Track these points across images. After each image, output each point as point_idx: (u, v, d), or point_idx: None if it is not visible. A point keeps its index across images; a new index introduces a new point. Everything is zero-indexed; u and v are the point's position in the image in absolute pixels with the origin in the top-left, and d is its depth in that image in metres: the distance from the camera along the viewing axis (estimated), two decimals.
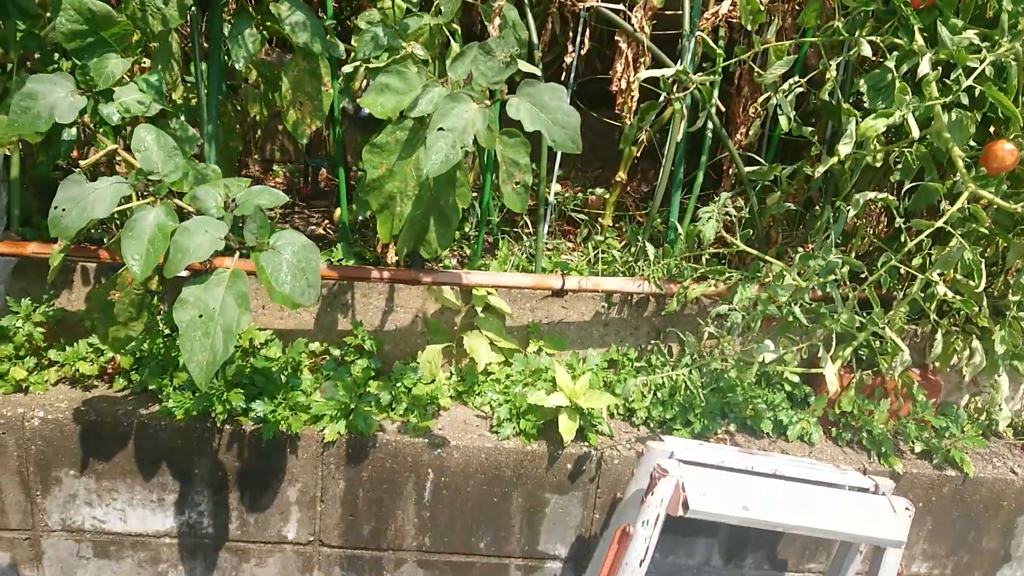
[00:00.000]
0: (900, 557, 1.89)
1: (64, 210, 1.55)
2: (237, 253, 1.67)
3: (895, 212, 1.94)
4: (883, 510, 1.87)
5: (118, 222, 2.28)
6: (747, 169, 2.25)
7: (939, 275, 1.97)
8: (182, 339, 1.58)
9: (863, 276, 2.04)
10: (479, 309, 2.28)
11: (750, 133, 2.36)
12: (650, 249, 2.27)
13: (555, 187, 2.52)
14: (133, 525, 2.14)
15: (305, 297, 1.61)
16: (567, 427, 2.07)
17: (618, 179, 2.52)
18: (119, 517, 2.13)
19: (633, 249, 2.39)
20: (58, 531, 2.13)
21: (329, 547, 2.19)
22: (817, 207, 2.39)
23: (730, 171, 2.52)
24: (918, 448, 2.29)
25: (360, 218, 2.49)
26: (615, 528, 1.89)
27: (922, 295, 2.18)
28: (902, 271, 2.28)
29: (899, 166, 2.06)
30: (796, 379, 2.29)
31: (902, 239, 2.01)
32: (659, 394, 2.25)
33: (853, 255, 2.28)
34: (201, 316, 1.59)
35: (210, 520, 2.14)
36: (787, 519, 1.78)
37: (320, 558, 2.21)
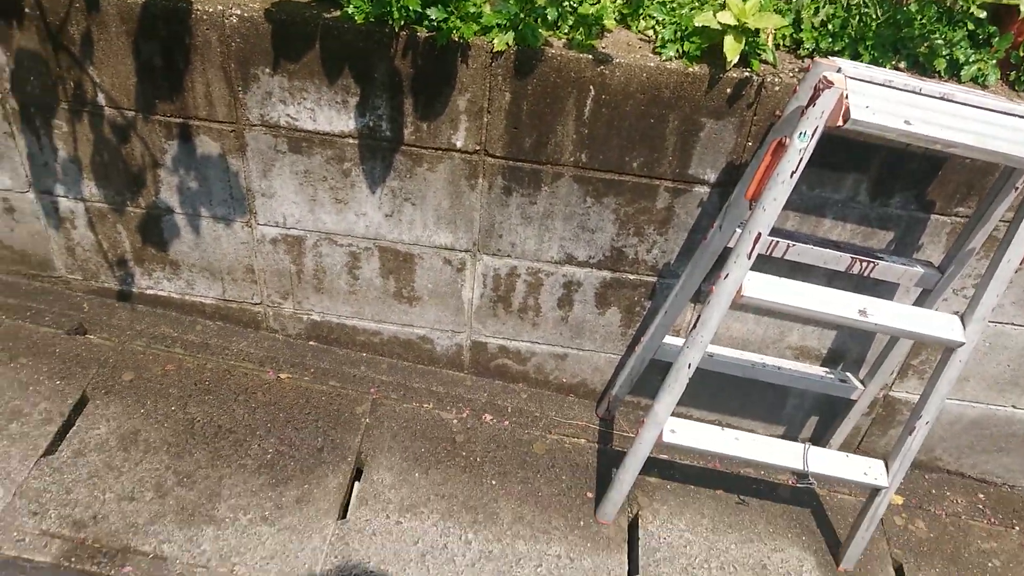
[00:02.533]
0: None
1: None
2: None
3: None
4: None
5: None
6: None
7: None
8: None
9: None
10: None
11: None
12: None
13: None
14: (321, 124, 2.37)
15: None
16: (731, 47, 2.06)
17: None
18: (309, 116, 2.36)
19: None
20: (258, 126, 2.40)
21: (493, 157, 2.38)
22: None
23: None
24: None
25: None
26: (771, 141, 1.95)
27: None
28: None
29: None
30: (983, 15, 2.16)
31: None
32: (830, 25, 2.18)
33: None
34: None
35: (388, 124, 2.35)
36: (950, 136, 1.79)
37: (485, 167, 2.40)
